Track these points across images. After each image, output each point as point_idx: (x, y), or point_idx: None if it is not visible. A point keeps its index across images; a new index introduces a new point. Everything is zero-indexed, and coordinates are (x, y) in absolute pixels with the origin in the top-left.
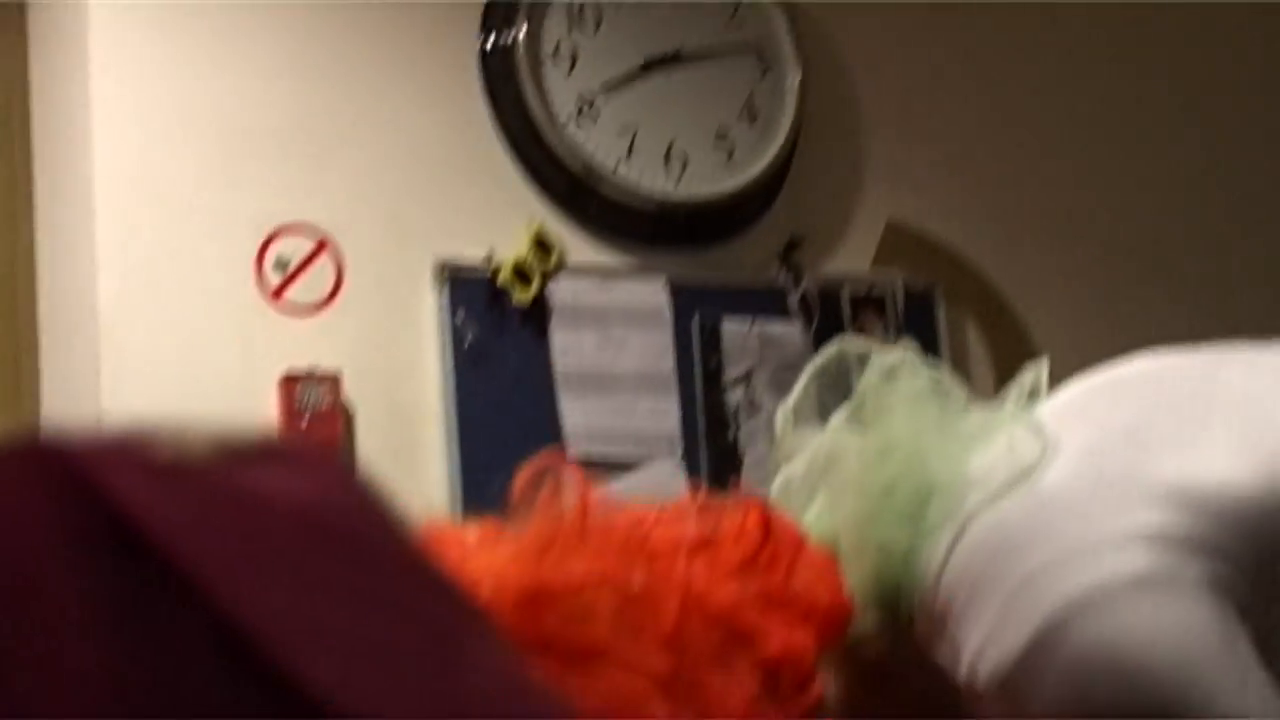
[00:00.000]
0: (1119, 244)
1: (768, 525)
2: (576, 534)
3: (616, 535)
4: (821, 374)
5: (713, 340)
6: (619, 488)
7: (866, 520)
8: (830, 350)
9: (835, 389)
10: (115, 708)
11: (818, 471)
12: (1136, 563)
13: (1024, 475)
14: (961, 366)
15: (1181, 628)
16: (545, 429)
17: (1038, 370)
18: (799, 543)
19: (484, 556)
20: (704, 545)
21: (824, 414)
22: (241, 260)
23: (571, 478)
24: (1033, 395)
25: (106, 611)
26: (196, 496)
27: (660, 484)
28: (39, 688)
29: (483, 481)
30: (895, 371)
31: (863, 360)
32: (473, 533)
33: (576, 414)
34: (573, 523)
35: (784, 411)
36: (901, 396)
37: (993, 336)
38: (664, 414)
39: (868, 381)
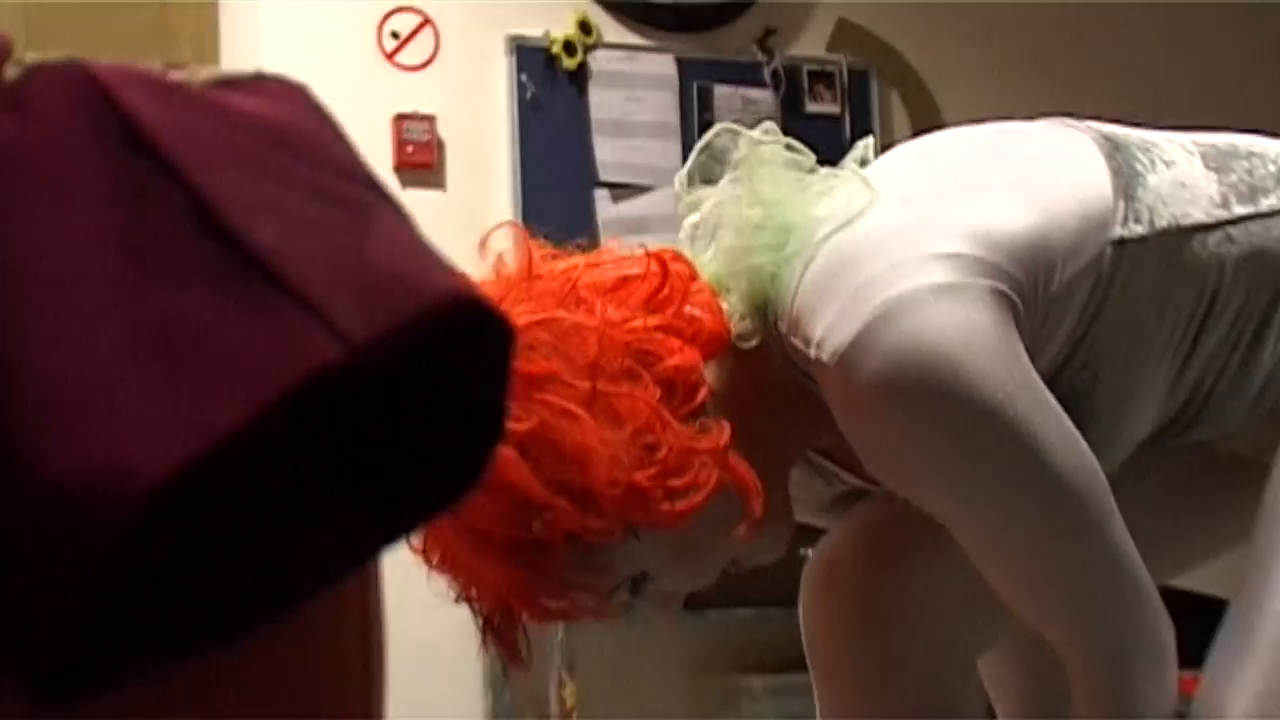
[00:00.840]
0: (1025, 46)
1: (665, 268)
2: (523, 285)
3: (553, 283)
4: (707, 148)
5: (706, 101)
6: (637, 204)
7: (742, 251)
8: (711, 132)
9: (719, 161)
10: (112, 253)
11: (712, 222)
12: (939, 275)
13: (857, 216)
14: (887, 132)
15: (969, 322)
16: (582, 161)
17: (866, 144)
18: (689, 279)
19: None
20: (618, 287)
21: (709, 179)
22: (366, 32)
23: (519, 240)
24: (863, 161)
25: (110, 186)
26: (187, 106)
27: (665, 204)
28: (58, 240)
29: (537, 196)
30: (760, 143)
31: (736, 138)
32: None
33: (606, 151)
34: (519, 276)
35: (679, 177)
36: (766, 162)
37: (913, 109)
38: (669, 153)
39: (740, 152)
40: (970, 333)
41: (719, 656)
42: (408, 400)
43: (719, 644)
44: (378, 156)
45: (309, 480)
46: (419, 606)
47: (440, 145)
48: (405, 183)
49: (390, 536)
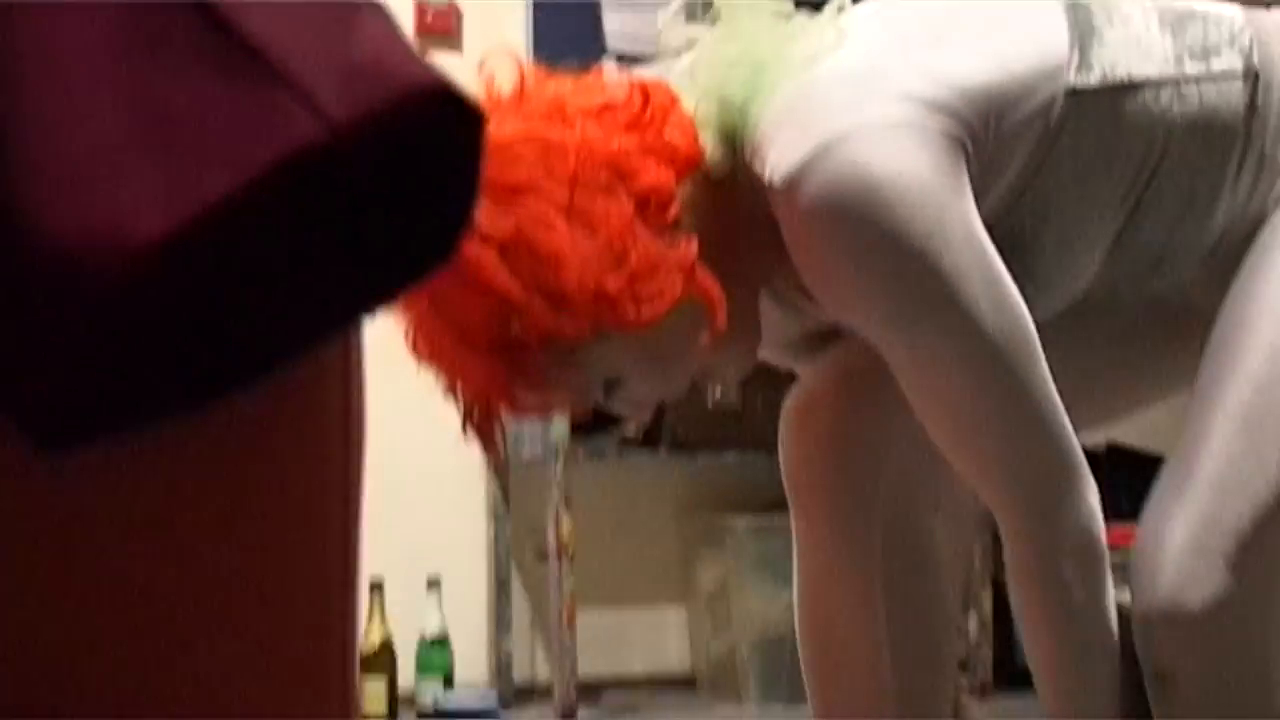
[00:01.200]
0: None
1: (647, 94)
2: (514, 103)
3: (543, 103)
4: None
5: None
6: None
7: (717, 83)
8: None
9: (705, 6)
10: (111, 38)
11: (694, 61)
12: (892, 113)
13: (824, 55)
14: None
15: (910, 159)
16: (592, 34)
17: None
18: (669, 107)
19: None
20: (604, 110)
21: (692, 19)
22: None
23: (514, 63)
24: (840, 9)
25: None
26: None
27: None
28: (61, 25)
29: (549, 64)
30: None
31: None
32: None
33: (614, 22)
34: (511, 96)
35: (664, 15)
36: (746, 4)
37: None
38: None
39: None
40: (910, 168)
41: (706, 497)
42: (387, 182)
43: (706, 486)
44: (400, 23)
45: (293, 250)
46: (425, 443)
47: (459, 14)
48: (425, 47)
49: (366, 305)
